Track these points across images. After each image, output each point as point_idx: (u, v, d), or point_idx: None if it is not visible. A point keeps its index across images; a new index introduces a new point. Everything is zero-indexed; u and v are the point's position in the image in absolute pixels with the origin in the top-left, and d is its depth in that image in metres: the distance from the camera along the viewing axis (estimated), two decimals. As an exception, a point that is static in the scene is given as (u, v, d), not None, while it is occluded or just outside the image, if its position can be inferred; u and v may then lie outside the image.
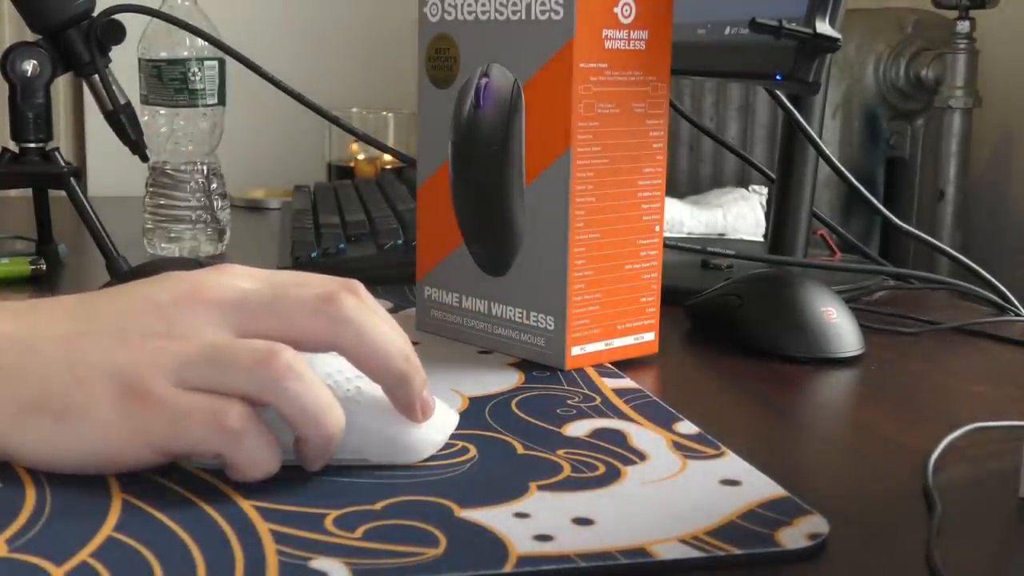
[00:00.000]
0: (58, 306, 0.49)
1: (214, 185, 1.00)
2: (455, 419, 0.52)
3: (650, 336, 0.68)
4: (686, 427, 0.55)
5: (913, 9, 1.90)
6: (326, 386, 0.46)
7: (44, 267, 0.88)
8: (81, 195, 0.89)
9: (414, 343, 0.55)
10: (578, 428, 0.55)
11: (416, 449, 0.49)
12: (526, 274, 0.65)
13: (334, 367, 0.49)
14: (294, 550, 0.40)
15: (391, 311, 0.76)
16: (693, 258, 0.92)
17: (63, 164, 0.90)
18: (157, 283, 0.48)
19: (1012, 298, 0.83)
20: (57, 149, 0.91)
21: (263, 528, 0.42)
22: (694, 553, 0.41)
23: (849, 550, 0.43)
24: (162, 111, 0.98)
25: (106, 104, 0.93)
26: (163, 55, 0.97)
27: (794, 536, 0.43)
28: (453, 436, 0.53)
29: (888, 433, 0.57)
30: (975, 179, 1.89)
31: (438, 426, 0.50)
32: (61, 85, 2.27)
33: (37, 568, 0.39)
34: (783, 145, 0.90)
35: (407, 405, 0.48)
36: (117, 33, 0.91)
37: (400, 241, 0.90)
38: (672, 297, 0.76)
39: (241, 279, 0.49)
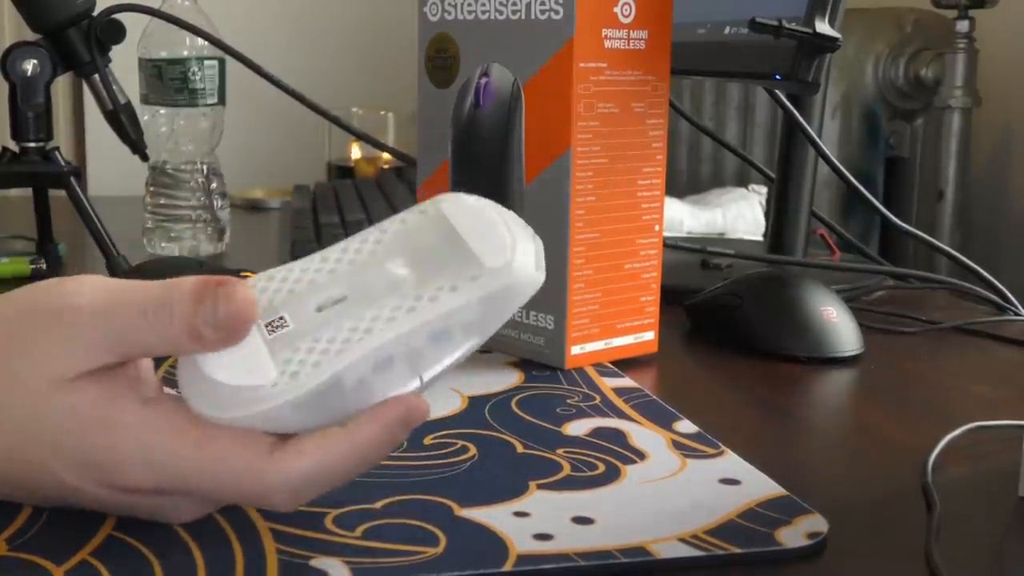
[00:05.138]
0: None
1: (214, 185, 1.00)
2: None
3: (650, 335, 0.68)
4: (686, 426, 0.55)
5: (912, 9, 1.90)
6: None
7: (44, 267, 0.88)
8: (81, 195, 0.89)
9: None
10: (578, 427, 0.55)
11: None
12: (526, 274, 0.65)
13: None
14: (294, 549, 0.40)
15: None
16: (693, 258, 0.92)
17: (63, 164, 0.90)
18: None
19: (1012, 298, 0.84)
20: (57, 149, 0.91)
21: (263, 527, 0.42)
22: (694, 552, 0.41)
23: (848, 549, 0.43)
24: (162, 111, 0.98)
25: (106, 104, 0.93)
26: (163, 55, 0.97)
27: (793, 535, 0.43)
28: (453, 436, 0.53)
29: (887, 432, 0.57)
30: (975, 179, 1.89)
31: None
32: (61, 85, 2.27)
33: (37, 567, 0.39)
34: (783, 145, 0.90)
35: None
36: (117, 33, 0.91)
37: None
38: (672, 297, 0.76)
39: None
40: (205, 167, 1.00)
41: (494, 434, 0.53)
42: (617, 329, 0.66)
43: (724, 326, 0.73)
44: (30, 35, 0.92)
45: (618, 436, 0.54)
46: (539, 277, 0.43)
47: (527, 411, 0.57)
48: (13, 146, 0.90)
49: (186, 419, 0.40)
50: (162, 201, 0.99)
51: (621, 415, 0.57)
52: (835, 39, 0.75)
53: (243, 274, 0.61)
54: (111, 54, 0.93)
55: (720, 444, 0.53)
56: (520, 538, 0.42)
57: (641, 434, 0.54)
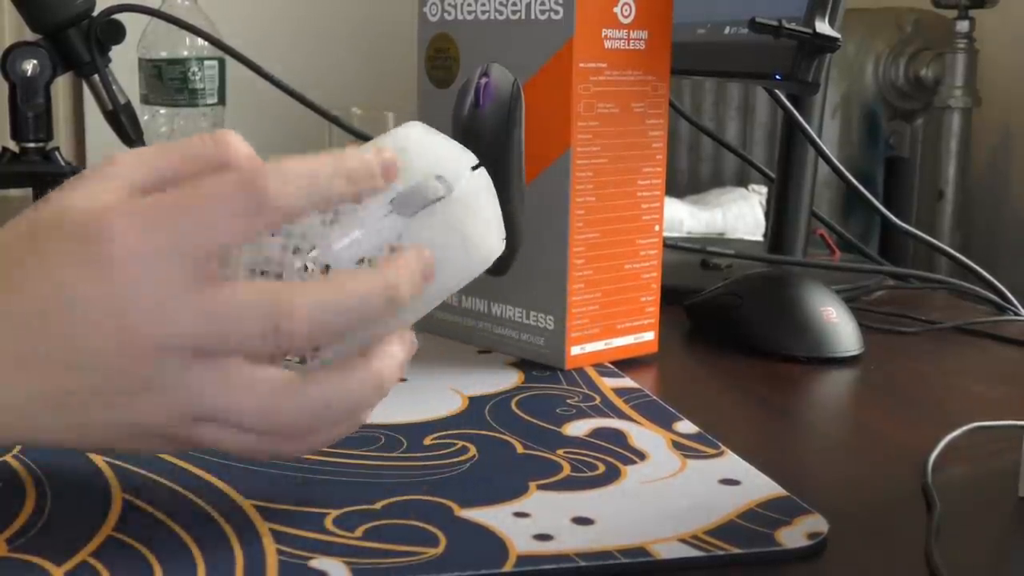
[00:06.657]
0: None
1: (214, 185, 1.00)
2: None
3: (650, 336, 0.68)
4: (686, 426, 0.55)
5: (912, 9, 1.90)
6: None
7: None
8: (81, 195, 0.89)
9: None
10: (578, 428, 0.55)
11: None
12: (526, 274, 0.65)
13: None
14: (294, 550, 0.40)
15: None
16: (693, 258, 0.92)
17: (63, 164, 0.90)
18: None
19: (1012, 298, 0.84)
20: (57, 149, 0.91)
21: (263, 528, 0.42)
22: (694, 552, 0.41)
23: (848, 549, 0.43)
24: (162, 111, 0.98)
25: (106, 104, 0.93)
26: (163, 55, 0.97)
27: (793, 535, 0.43)
28: (453, 436, 0.53)
29: (888, 433, 0.57)
30: (975, 179, 1.89)
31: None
32: (61, 85, 2.27)
33: (37, 568, 0.39)
34: (783, 145, 0.90)
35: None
36: (117, 33, 0.91)
37: (400, 241, 0.90)
38: (672, 297, 0.76)
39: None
40: (205, 167, 1.00)
41: (494, 434, 0.53)
42: (617, 329, 0.66)
43: (724, 326, 0.73)
44: (30, 35, 0.92)
45: (618, 436, 0.54)
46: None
47: (527, 411, 0.57)
48: (13, 146, 0.90)
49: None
50: (162, 201, 0.99)
51: (621, 415, 0.57)
52: (835, 39, 0.75)
53: None
54: (111, 54, 0.93)
55: (720, 444, 0.53)
56: (520, 538, 0.42)
57: (641, 434, 0.54)
